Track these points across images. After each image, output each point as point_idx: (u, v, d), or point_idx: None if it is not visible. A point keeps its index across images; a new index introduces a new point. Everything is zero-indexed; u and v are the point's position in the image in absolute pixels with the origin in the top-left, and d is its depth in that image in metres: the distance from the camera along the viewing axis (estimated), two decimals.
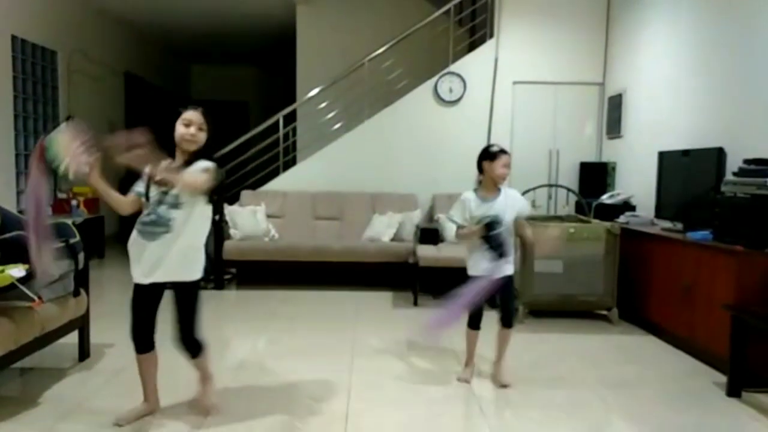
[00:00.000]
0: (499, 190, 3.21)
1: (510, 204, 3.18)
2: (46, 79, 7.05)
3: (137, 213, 2.58)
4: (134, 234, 2.53)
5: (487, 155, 3.21)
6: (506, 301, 3.27)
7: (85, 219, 6.59)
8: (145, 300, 2.58)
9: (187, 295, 2.59)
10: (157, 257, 2.49)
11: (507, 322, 3.28)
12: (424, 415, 2.86)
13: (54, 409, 2.82)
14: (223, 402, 2.88)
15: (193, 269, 2.58)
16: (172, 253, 2.49)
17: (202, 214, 2.57)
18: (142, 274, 2.52)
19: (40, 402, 2.89)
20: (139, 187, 2.56)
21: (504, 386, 3.21)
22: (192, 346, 2.64)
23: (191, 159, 2.53)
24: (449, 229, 3.24)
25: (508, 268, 3.18)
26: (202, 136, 2.51)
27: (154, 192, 2.50)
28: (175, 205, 2.48)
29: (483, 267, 3.10)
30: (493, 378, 3.29)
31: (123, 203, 2.54)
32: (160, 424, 2.66)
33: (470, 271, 3.20)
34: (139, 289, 2.56)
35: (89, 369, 3.37)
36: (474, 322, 3.29)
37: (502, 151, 3.20)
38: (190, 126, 2.48)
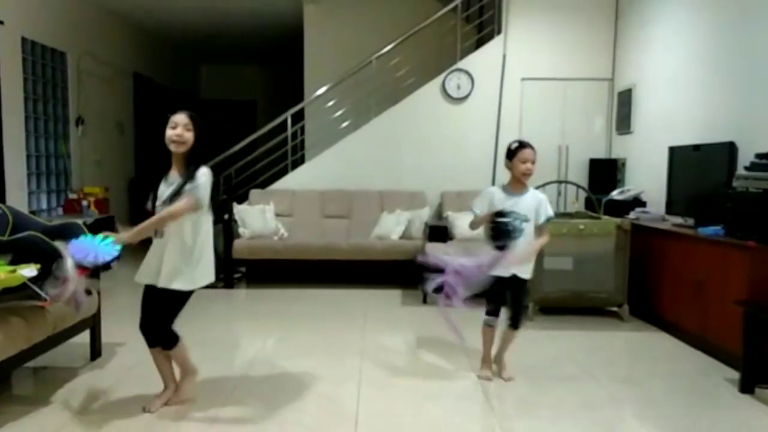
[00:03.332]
0: (526, 187, 3.16)
1: (535, 205, 3.13)
2: (56, 81, 7.09)
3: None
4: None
5: (508, 152, 3.16)
6: (517, 304, 3.25)
7: (96, 219, 6.62)
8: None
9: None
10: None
11: (515, 323, 3.28)
12: (435, 413, 2.85)
13: (66, 407, 2.84)
14: (235, 400, 2.90)
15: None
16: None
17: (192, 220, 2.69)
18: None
19: (53, 401, 2.91)
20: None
21: (508, 379, 3.24)
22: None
23: (186, 163, 2.65)
24: (467, 220, 3.21)
25: (521, 270, 3.15)
26: (189, 136, 2.63)
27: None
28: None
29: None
30: (497, 372, 3.31)
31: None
32: (177, 416, 2.67)
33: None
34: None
35: (101, 368, 3.39)
36: (494, 313, 3.25)
37: (521, 146, 3.13)
38: (176, 128, 2.61)
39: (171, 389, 2.84)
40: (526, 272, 3.18)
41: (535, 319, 4.42)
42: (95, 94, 7.93)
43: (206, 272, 2.73)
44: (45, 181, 6.93)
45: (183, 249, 2.64)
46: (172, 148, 2.62)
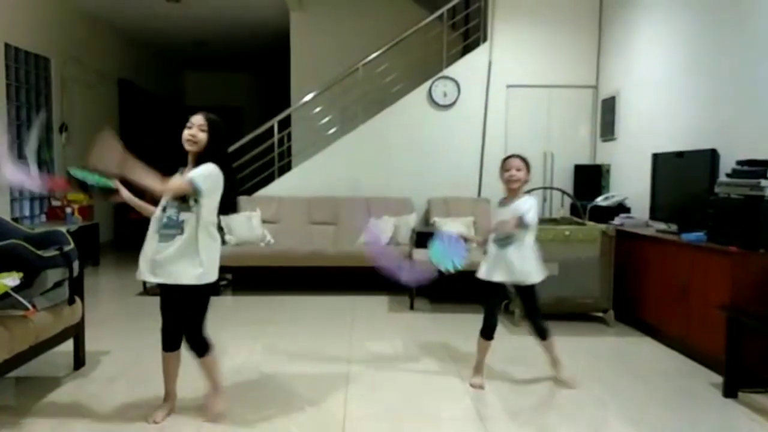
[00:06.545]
0: (518, 196, 3.19)
1: (518, 211, 3.11)
2: (40, 87, 7.03)
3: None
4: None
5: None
6: (531, 314, 3.30)
7: (80, 226, 6.57)
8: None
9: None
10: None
11: (540, 334, 3.31)
12: (421, 421, 2.85)
13: (49, 418, 2.80)
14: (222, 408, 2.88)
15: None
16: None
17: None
18: None
19: (36, 411, 2.87)
20: None
21: (569, 388, 3.25)
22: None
23: (197, 162, 2.66)
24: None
25: (523, 275, 3.16)
26: (203, 137, 2.65)
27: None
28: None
29: (483, 270, 3.20)
30: (558, 384, 3.31)
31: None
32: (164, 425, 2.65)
33: (479, 275, 3.25)
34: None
35: (84, 377, 3.35)
36: (487, 332, 3.26)
37: (507, 157, 3.26)
38: (191, 128, 2.65)
39: (171, 401, 2.82)
40: (531, 277, 3.19)
41: (521, 325, 4.44)
42: (79, 101, 7.87)
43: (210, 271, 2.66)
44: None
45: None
46: (187, 147, 2.66)
